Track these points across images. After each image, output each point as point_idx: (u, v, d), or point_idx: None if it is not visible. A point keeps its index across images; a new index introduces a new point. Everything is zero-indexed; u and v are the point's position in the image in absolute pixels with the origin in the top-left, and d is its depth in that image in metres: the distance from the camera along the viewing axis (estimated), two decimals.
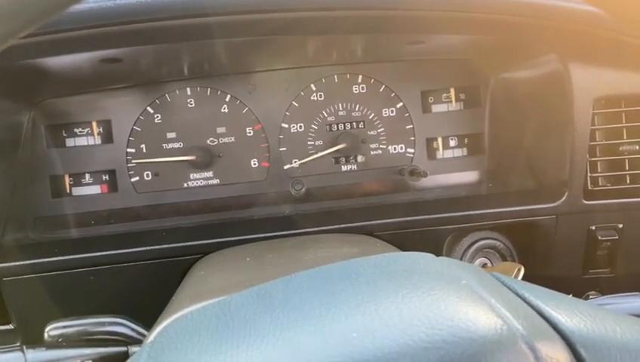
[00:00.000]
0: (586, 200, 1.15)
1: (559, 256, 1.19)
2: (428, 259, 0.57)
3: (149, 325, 0.84)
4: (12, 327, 1.14)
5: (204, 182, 1.35)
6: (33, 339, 1.11)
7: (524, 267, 0.88)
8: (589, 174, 1.15)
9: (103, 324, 0.79)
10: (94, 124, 1.31)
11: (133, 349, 0.71)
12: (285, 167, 1.37)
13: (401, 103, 1.39)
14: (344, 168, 1.40)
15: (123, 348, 0.70)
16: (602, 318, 0.47)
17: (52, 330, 0.78)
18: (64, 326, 0.78)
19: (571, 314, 0.48)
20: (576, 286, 1.19)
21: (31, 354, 0.63)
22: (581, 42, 1.07)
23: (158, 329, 0.63)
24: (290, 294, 0.53)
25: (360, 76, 1.38)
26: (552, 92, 1.17)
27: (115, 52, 1.00)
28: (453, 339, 0.41)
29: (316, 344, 0.43)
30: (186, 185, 1.35)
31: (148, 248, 1.10)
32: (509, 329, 0.43)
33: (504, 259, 1.22)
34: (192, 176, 1.35)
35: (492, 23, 1.00)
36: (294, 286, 0.54)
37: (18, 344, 0.66)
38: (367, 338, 0.42)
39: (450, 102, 1.42)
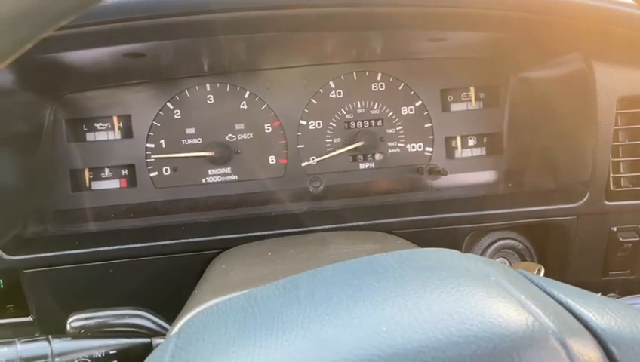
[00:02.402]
0: (607, 201, 1.14)
1: (579, 257, 1.18)
2: (454, 255, 0.56)
3: (167, 318, 0.85)
4: (31, 319, 1.15)
5: (222, 178, 1.36)
6: (51, 332, 1.12)
7: (543, 268, 0.88)
8: (611, 175, 1.14)
9: (124, 316, 0.80)
10: (115, 118, 1.32)
11: (156, 341, 0.71)
12: (303, 164, 1.37)
13: (420, 101, 1.39)
14: (362, 166, 1.39)
15: (147, 340, 0.71)
16: (633, 316, 0.47)
17: (74, 321, 0.78)
18: (86, 318, 0.79)
19: (602, 312, 0.47)
20: (596, 288, 1.17)
21: (57, 343, 0.64)
22: (606, 41, 1.06)
23: (183, 320, 0.63)
24: (316, 287, 0.52)
25: (379, 74, 1.38)
26: (575, 91, 1.16)
27: (139, 47, 1.01)
28: (484, 335, 0.41)
29: (345, 337, 0.43)
30: (204, 180, 1.35)
31: (167, 242, 1.11)
32: (540, 325, 0.43)
33: (523, 259, 1.21)
34: (210, 171, 1.35)
35: (515, 21, 0.99)
36: (320, 280, 0.54)
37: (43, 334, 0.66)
38: (397, 331, 0.42)
39: (470, 101, 1.41)
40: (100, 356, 0.64)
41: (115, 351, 0.66)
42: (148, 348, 0.70)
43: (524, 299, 0.47)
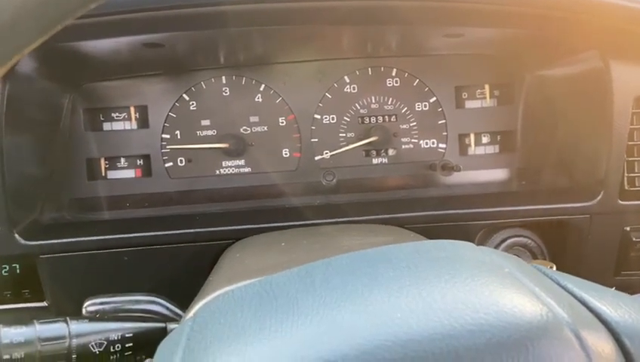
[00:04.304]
0: (621, 200, 1.14)
1: (591, 256, 1.18)
2: (468, 247, 0.57)
3: (180, 305, 0.86)
4: (46, 305, 1.17)
5: (236, 170, 1.37)
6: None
7: (555, 266, 0.88)
8: (626, 174, 1.14)
9: (139, 302, 0.81)
10: (132, 109, 1.34)
11: (171, 326, 0.72)
12: (316, 158, 1.38)
13: (435, 98, 1.39)
14: (375, 161, 1.40)
15: (162, 324, 0.72)
16: None
17: (90, 306, 0.80)
18: (101, 303, 0.80)
19: (615, 305, 0.47)
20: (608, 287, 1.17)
21: (74, 325, 0.65)
22: (623, 40, 1.05)
23: (198, 305, 0.64)
24: (331, 275, 0.53)
25: (394, 69, 1.38)
26: (591, 90, 1.15)
27: (158, 37, 1.02)
28: (499, 324, 0.41)
29: (360, 322, 0.43)
30: (218, 172, 1.37)
31: (181, 231, 1.12)
32: (554, 316, 0.43)
33: (535, 257, 1.21)
34: (224, 163, 1.37)
35: (533, 18, 0.99)
36: (335, 268, 0.54)
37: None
38: (412, 319, 0.43)
39: (484, 98, 1.41)
40: (116, 338, 0.66)
41: (130, 334, 0.67)
42: (163, 333, 0.71)
43: (538, 290, 0.47)
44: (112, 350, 0.65)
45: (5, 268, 1.16)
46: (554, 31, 1.09)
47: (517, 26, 1.08)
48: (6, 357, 0.60)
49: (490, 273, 0.49)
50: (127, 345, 0.67)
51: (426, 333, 0.41)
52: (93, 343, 0.65)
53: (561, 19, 0.99)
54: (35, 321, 0.66)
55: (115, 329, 0.67)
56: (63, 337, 0.64)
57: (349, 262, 0.56)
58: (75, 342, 0.64)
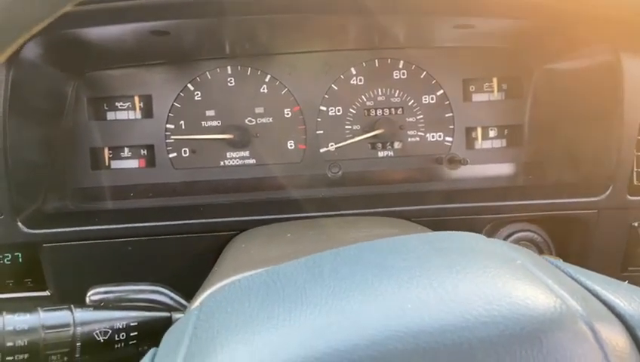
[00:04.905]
0: (630, 195, 1.13)
1: (598, 252, 1.17)
2: (479, 239, 0.56)
3: (184, 296, 0.86)
4: (48, 294, 1.16)
5: (240, 162, 1.36)
6: None
7: (562, 261, 0.87)
8: (635, 169, 1.12)
9: (143, 291, 0.80)
10: (136, 98, 1.33)
11: (176, 315, 0.72)
12: (321, 150, 1.37)
13: (442, 91, 1.37)
14: (380, 154, 1.39)
15: (166, 314, 0.71)
16: None
17: (93, 294, 0.79)
18: (105, 292, 0.80)
19: (629, 298, 0.47)
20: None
21: (79, 313, 0.64)
22: (635, 32, 1.04)
23: (204, 295, 0.64)
24: (339, 265, 0.52)
25: (401, 61, 1.36)
26: (601, 84, 1.14)
27: (163, 24, 1.01)
28: (512, 316, 0.41)
29: (371, 312, 0.43)
30: (222, 163, 1.36)
31: (185, 222, 1.11)
32: (568, 309, 0.42)
33: (541, 252, 1.20)
34: (228, 154, 1.36)
35: (545, 9, 0.98)
36: (343, 258, 0.54)
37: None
38: (423, 309, 0.42)
39: (492, 91, 1.39)
40: (121, 327, 0.65)
41: (135, 323, 0.66)
42: (167, 322, 0.71)
43: (551, 283, 0.46)
44: (116, 339, 0.65)
45: (8, 256, 1.15)
46: (566, 23, 1.07)
47: (529, 18, 1.07)
48: (9, 344, 0.59)
49: (502, 265, 0.48)
50: (131, 334, 0.66)
51: (437, 325, 0.40)
52: (97, 331, 0.64)
53: (573, 11, 0.98)
54: (38, 308, 0.65)
55: (120, 317, 0.66)
56: (67, 325, 0.63)
57: (358, 252, 0.55)
58: (79, 330, 0.63)
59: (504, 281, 0.45)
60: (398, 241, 0.55)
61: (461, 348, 0.39)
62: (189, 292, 0.87)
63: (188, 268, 1.10)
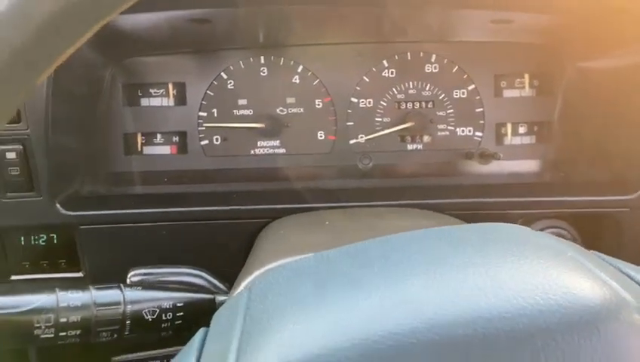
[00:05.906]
0: None
1: (628, 250, 1.16)
2: (528, 231, 0.57)
3: (220, 279, 0.87)
4: (81, 275, 1.19)
5: (270, 151, 1.37)
6: None
7: None
8: None
9: (181, 274, 0.82)
10: (170, 85, 1.34)
11: (220, 298, 0.73)
12: (351, 142, 1.37)
13: (473, 86, 1.37)
14: (410, 147, 1.39)
15: (210, 296, 0.73)
16: None
17: (134, 276, 0.81)
18: (145, 273, 0.82)
19: None
20: None
21: (128, 291, 0.66)
22: None
23: (249, 278, 0.65)
24: (388, 252, 0.53)
25: (433, 55, 1.36)
26: (637, 83, 1.13)
27: (205, 12, 1.02)
28: (569, 305, 0.41)
29: (427, 297, 0.43)
30: (253, 152, 1.37)
31: (218, 208, 1.13)
32: (623, 300, 0.43)
33: None
34: (259, 143, 1.37)
35: (588, 4, 0.97)
36: (393, 246, 0.54)
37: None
38: (480, 296, 0.43)
39: (523, 87, 1.39)
40: (168, 307, 0.67)
41: (181, 304, 0.68)
42: (211, 304, 0.72)
43: (603, 276, 0.47)
44: (163, 318, 0.66)
45: (43, 237, 1.18)
46: (606, 20, 1.07)
47: (574, 13, 1.06)
48: (63, 320, 0.61)
49: (554, 256, 0.49)
50: (178, 314, 0.68)
51: (495, 311, 0.41)
52: (146, 310, 0.66)
53: (615, 8, 0.97)
54: (90, 286, 0.67)
55: (167, 298, 0.68)
56: (118, 303, 0.65)
57: (406, 240, 0.56)
58: (129, 308, 0.65)
59: (559, 272, 0.45)
60: (447, 230, 0.56)
61: (521, 334, 0.40)
62: (222, 277, 0.89)
63: (219, 253, 1.11)
